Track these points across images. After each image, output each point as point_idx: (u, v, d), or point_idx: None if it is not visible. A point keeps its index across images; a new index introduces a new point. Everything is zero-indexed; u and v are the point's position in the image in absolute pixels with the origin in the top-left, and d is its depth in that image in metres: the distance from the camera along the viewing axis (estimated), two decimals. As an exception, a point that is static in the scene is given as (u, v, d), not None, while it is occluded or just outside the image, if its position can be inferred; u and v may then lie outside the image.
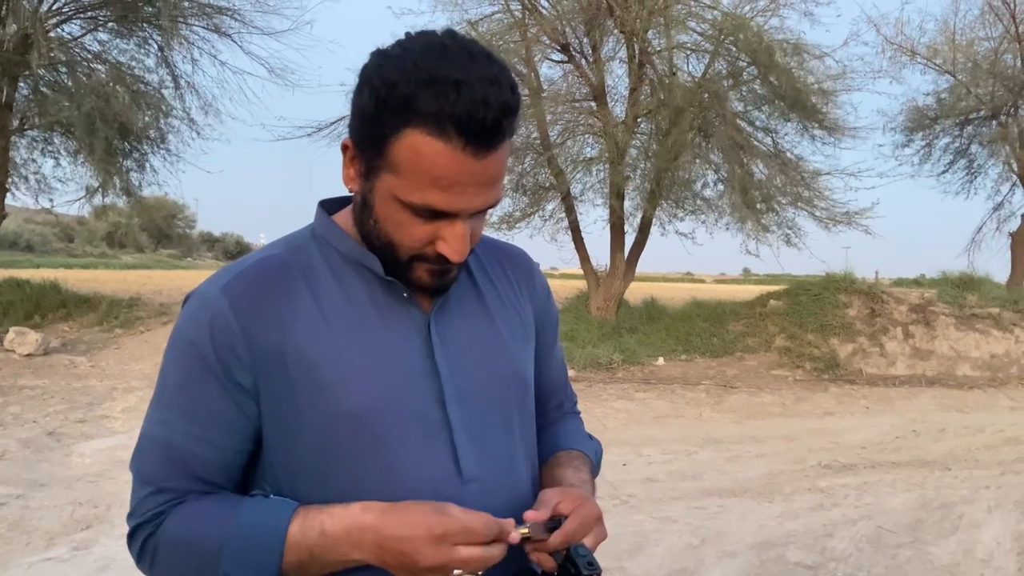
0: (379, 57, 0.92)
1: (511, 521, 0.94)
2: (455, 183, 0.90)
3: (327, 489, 0.98)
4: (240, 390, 0.97)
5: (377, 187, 0.95)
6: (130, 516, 1.00)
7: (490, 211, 1.00)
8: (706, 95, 11.66)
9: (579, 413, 1.35)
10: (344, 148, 0.98)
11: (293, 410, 0.98)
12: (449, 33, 0.92)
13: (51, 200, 12.60)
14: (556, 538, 0.95)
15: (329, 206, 1.11)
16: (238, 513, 0.95)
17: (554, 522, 0.96)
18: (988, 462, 6.38)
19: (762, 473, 5.88)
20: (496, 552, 0.91)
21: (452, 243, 0.95)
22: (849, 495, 5.34)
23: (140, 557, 1.00)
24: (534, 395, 1.18)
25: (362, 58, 0.95)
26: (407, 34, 0.93)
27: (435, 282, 1.01)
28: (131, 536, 1.00)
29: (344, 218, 1.07)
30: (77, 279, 15.95)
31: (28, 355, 9.89)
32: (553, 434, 1.24)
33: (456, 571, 0.89)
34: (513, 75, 0.92)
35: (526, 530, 0.94)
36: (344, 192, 1.07)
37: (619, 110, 12.76)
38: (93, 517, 4.42)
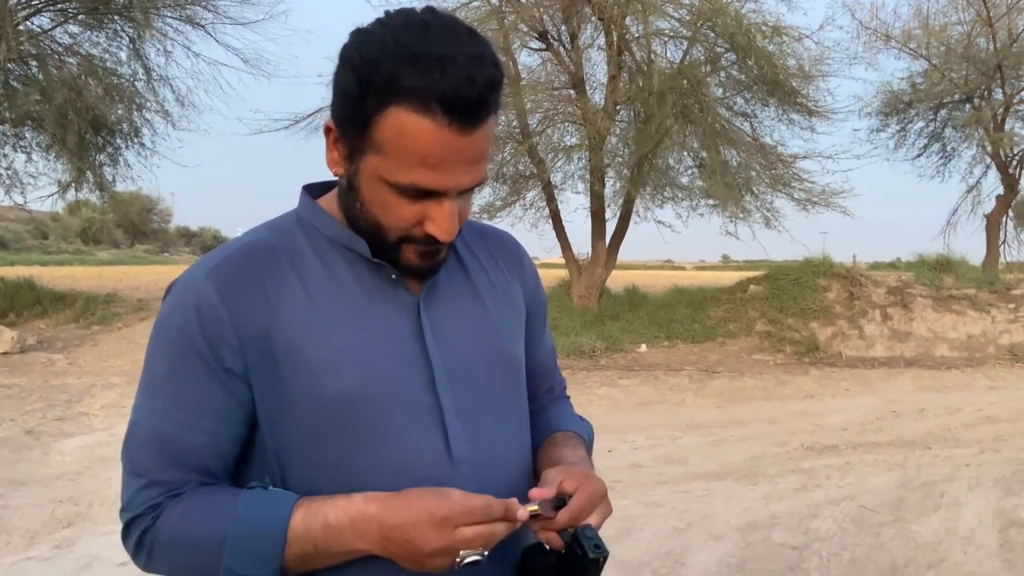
0: (359, 35, 0.90)
1: (515, 500, 0.92)
2: (442, 161, 0.88)
3: (317, 473, 0.96)
4: (231, 375, 0.95)
5: (362, 169, 0.93)
6: (124, 510, 0.97)
7: (477, 190, 0.98)
8: (685, 81, 11.67)
9: (568, 398, 1.34)
10: (327, 130, 0.96)
11: (282, 394, 0.96)
12: (429, 10, 0.90)
13: (23, 195, 12.39)
14: (563, 516, 0.94)
15: (313, 191, 1.09)
16: (238, 506, 0.92)
17: (559, 500, 0.95)
18: (967, 441, 6.47)
19: (746, 456, 5.92)
20: (500, 529, 0.90)
21: (440, 222, 0.93)
22: (832, 476, 5.39)
23: (136, 552, 0.97)
24: (527, 379, 1.17)
25: (340, 46, 0.93)
26: (386, 12, 0.91)
27: (424, 263, 0.99)
28: (126, 530, 0.97)
29: (329, 202, 1.05)
30: (52, 276, 15.75)
31: (4, 353, 9.77)
32: (546, 418, 1.23)
33: (462, 552, 0.88)
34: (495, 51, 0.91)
35: (535, 507, 0.93)
36: (327, 177, 1.04)
37: (598, 97, 12.76)
38: (75, 515, 4.36)
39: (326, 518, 0.90)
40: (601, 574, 0.94)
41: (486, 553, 0.89)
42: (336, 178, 1.01)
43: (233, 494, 0.95)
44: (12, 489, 4.81)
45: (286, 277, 0.98)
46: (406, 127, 0.86)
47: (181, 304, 0.97)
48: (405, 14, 0.89)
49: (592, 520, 0.96)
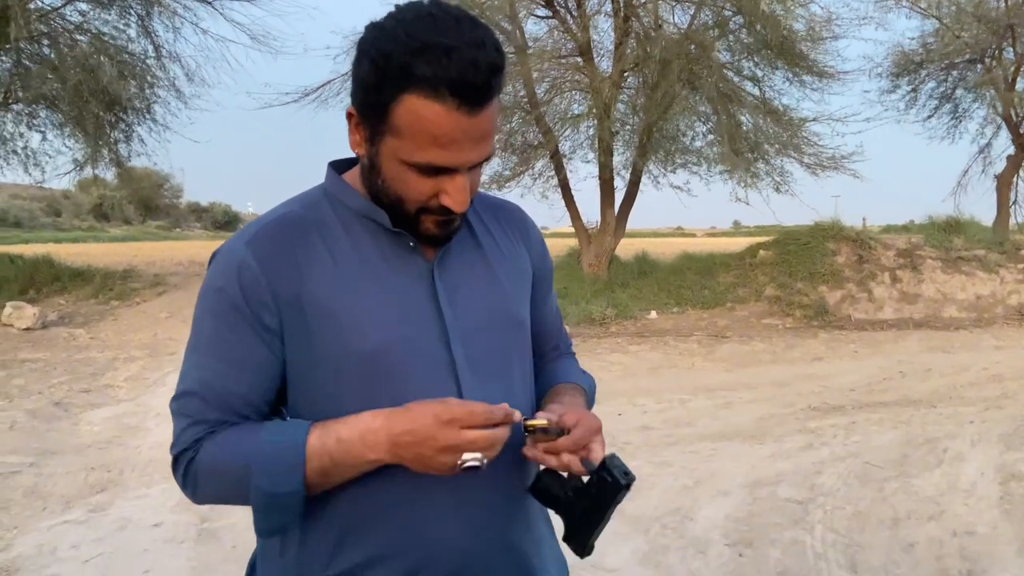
0: (374, 30, 1.01)
1: (507, 406, 1.03)
2: (452, 141, 0.99)
3: None
4: (268, 332, 1.08)
5: (382, 150, 1.04)
6: (172, 446, 1.11)
7: (485, 164, 1.09)
8: (692, 47, 11.64)
9: (574, 355, 1.46)
10: (349, 116, 1.07)
11: (310, 352, 1.08)
12: (435, 2, 1.01)
13: (42, 172, 12.53)
14: (565, 441, 1.06)
15: (338, 166, 1.20)
16: (261, 433, 1.06)
17: (559, 430, 1.07)
18: (973, 399, 6.57)
19: (754, 417, 6.05)
20: (501, 434, 1.01)
21: (454, 195, 1.05)
22: (837, 435, 5.52)
23: (184, 483, 1.11)
24: (533, 338, 1.29)
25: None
26: (397, 6, 1.03)
27: (441, 232, 1.11)
28: (174, 463, 1.11)
29: (352, 177, 1.17)
30: (68, 253, 15.95)
31: (27, 329, 9.97)
32: (551, 371, 1.36)
33: (466, 455, 0.98)
34: (496, 35, 1.02)
35: (543, 421, 1.05)
36: (341, 155, 1.16)
37: (605, 65, 12.74)
38: (107, 481, 4.55)
39: (339, 434, 1.03)
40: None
41: (485, 461, 1.00)
42: (357, 156, 1.12)
43: (258, 425, 1.09)
44: (45, 457, 5.00)
45: (315, 246, 1.10)
46: (420, 112, 0.97)
47: (224, 270, 1.09)
48: (414, 8, 1.00)
49: (595, 450, 1.09)
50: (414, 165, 1.02)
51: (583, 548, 1.11)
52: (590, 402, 1.33)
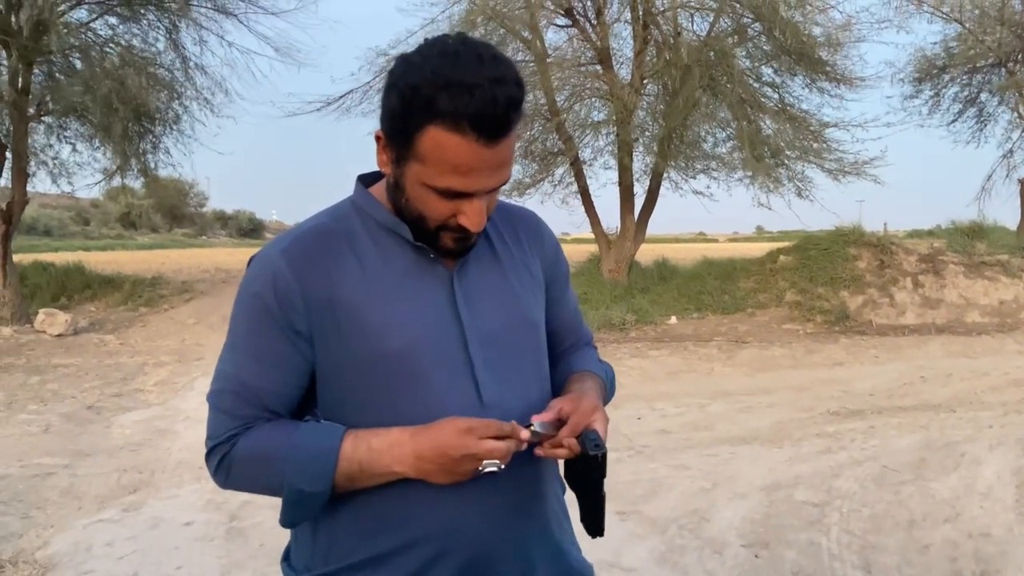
0: (403, 64, 1.11)
1: (517, 424, 1.15)
2: (471, 169, 1.09)
3: (367, 417, 1.19)
4: (298, 335, 1.18)
5: (407, 172, 1.14)
6: (208, 439, 1.21)
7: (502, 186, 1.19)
8: (712, 53, 11.69)
9: (595, 348, 1.55)
10: (377, 138, 1.18)
11: (339, 353, 1.18)
12: (461, 39, 1.11)
13: (71, 183, 12.82)
14: (564, 431, 1.16)
15: (365, 179, 1.31)
16: (296, 434, 1.16)
17: (561, 423, 1.17)
18: (993, 403, 6.57)
19: (772, 421, 6.09)
20: (512, 445, 1.13)
21: (471, 217, 1.15)
22: (856, 439, 5.55)
23: (216, 471, 1.21)
24: (551, 335, 1.39)
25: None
26: (426, 40, 1.13)
27: (458, 247, 1.21)
28: (209, 454, 1.21)
29: (378, 191, 1.27)
30: (97, 261, 16.26)
31: (59, 335, 10.21)
32: (568, 363, 1.45)
33: (486, 461, 1.10)
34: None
35: (534, 427, 1.15)
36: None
37: (625, 72, 12.81)
38: (139, 482, 4.69)
39: (370, 444, 1.14)
40: (606, 468, 1.15)
41: (502, 465, 1.11)
42: (382, 170, 1.22)
43: (293, 425, 1.19)
44: (79, 459, 5.16)
45: (345, 255, 1.20)
46: (442, 143, 1.07)
47: (259, 276, 1.19)
48: (440, 44, 1.10)
49: (597, 427, 1.18)
50: (435, 189, 1.12)
51: (589, 526, 1.19)
52: (608, 388, 1.42)
